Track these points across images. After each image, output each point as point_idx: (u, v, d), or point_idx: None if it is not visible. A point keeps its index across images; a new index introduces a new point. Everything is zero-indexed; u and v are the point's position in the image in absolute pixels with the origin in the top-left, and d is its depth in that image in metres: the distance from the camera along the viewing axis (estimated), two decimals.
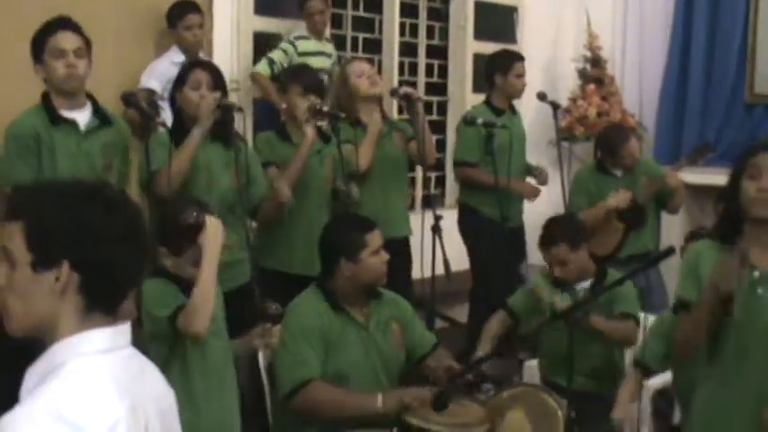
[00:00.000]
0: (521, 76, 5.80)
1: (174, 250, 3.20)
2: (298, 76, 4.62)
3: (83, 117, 3.81)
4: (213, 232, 3.13)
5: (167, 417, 1.76)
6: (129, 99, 3.69)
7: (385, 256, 3.68)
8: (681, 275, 2.99)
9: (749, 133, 7.27)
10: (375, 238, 3.67)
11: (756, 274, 2.84)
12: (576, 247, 4.26)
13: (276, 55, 5.77)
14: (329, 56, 6.03)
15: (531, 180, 6.00)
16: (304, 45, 5.86)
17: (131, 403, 1.63)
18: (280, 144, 4.55)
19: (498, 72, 5.82)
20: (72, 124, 3.78)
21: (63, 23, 3.79)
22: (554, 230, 4.36)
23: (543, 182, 5.92)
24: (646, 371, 3.84)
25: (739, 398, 2.86)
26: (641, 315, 4.11)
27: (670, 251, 2.99)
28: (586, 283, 4.27)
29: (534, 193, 5.86)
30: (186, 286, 3.18)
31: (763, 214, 2.79)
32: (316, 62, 5.73)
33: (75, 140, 3.73)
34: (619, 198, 5.50)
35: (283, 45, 5.83)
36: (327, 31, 6.43)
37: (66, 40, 3.76)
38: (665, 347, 3.61)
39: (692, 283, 2.92)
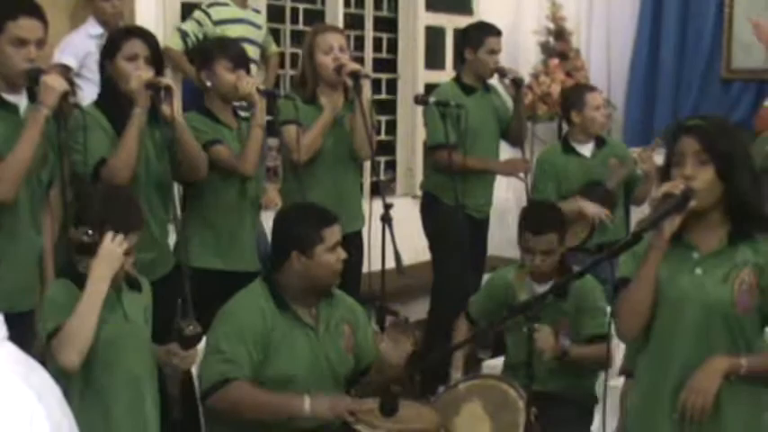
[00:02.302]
0: (494, 52, 5.78)
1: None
2: (223, 51, 4.53)
3: (22, 102, 3.74)
4: (106, 256, 3.08)
5: (63, 406, 1.75)
6: (35, 76, 3.62)
7: (342, 254, 3.68)
8: (621, 259, 3.07)
9: (726, 112, 7.34)
10: (333, 234, 3.66)
11: (696, 255, 2.94)
12: (561, 241, 4.32)
13: (189, 26, 5.73)
14: (258, 26, 5.98)
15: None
16: (220, 12, 5.79)
17: (37, 394, 1.60)
18: (210, 124, 4.52)
19: (469, 47, 5.81)
20: (13, 109, 3.69)
21: (28, 7, 3.60)
22: (546, 217, 4.39)
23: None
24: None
25: (670, 377, 2.94)
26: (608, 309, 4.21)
27: (636, 239, 3.02)
28: (548, 285, 4.29)
29: (522, 167, 5.87)
30: None
31: (696, 207, 2.86)
32: (236, 30, 5.69)
33: (14, 126, 3.65)
34: (595, 211, 5.56)
35: (196, 14, 5.77)
36: (263, 2, 6.41)
37: (30, 30, 3.58)
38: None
39: (630, 263, 3.00)
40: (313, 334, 3.69)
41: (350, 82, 4.73)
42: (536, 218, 4.38)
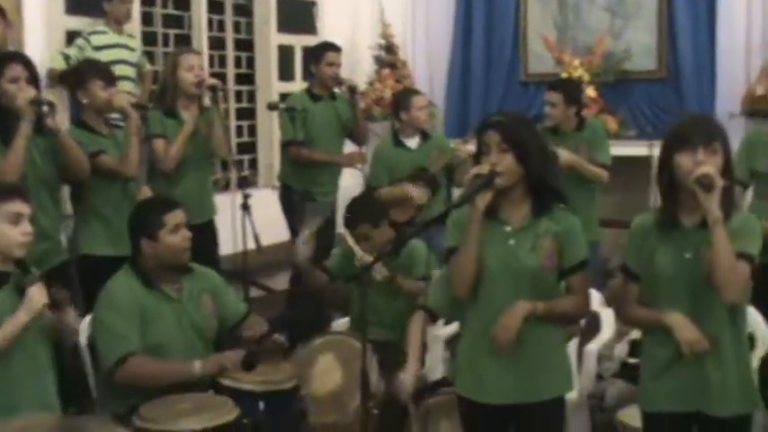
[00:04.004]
0: (331, 64, 5.79)
1: None
2: (95, 72, 4.46)
3: None
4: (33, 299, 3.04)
5: None
6: None
7: (186, 233, 3.61)
8: (446, 232, 3.09)
9: (526, 108, 7.55)
10: (173, 217, 3.60)
11: (508, 228, 3.00)
12: (377, 224, 4.34)
13: (72, 51, 5.56)
14: (132, 49, 5.85)
15: None
16: (99, 39, 5.63)
17: None
18: (89, 136, 4.42)
19: (312, 61, 5.87)
20: None
21: None
22: (356, 212, 4.39)
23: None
24: (432, 315, 3.98)
25: (494, 325, 2.97)
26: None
27: (445, 214, 3.08)
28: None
29: (358, 159, 5.93)
30: None
31: (500, 185, 2.92)
32: (113, 54, 5.55)
33: None
34: (420, 194, 5.60)
35: (78, 41, 5.61)
36: (138, 28, 6.28)
37: None
38: (448, 293, 3.73)
39: (456, 234, 3.03)
40: (178, 305, 3.63)
41: (209, 94, 4.74)
42: (347, 215, 4.39)
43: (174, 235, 3.58)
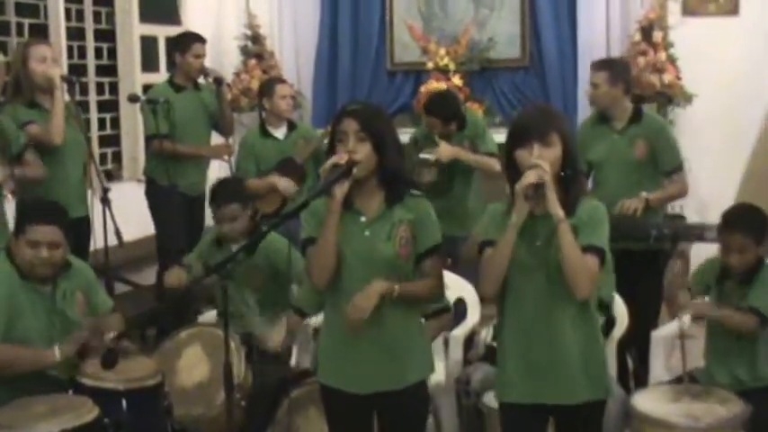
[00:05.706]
0: (198, 56, 5.74)
1: None
2: None
3: None
4: None
5: None
6: None
7: (43, 255, 3.49)
8: (303, 223, 3.09)
9: (393, 96, 7.64)
10: (34, 232, 3.49)
11: (363, 219, 3.01)
12: (245, 206, 4.32)
13: None
14: None
15: None
16: None
17: None
18: None
19: (177, 52, 5.78)
20: None
21: None
22: (227, 190, 4.39)
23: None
24: (301, 313, 4.00)
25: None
26: None
27: (304, 205, 3.07)
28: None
29: (224, 151, 5.92)
30: None
31: (358, 175, 2.93)
32: None
33: None
34: (285, 185, 5.62)
35: None
36: None
37: None
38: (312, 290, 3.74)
39: (312, 223, 3.03)
40: (50, 303, 3.56)
41: (64, 86, 4.62)
42: (213, 201, 4.38)
43: (30, 249, 3.49)
